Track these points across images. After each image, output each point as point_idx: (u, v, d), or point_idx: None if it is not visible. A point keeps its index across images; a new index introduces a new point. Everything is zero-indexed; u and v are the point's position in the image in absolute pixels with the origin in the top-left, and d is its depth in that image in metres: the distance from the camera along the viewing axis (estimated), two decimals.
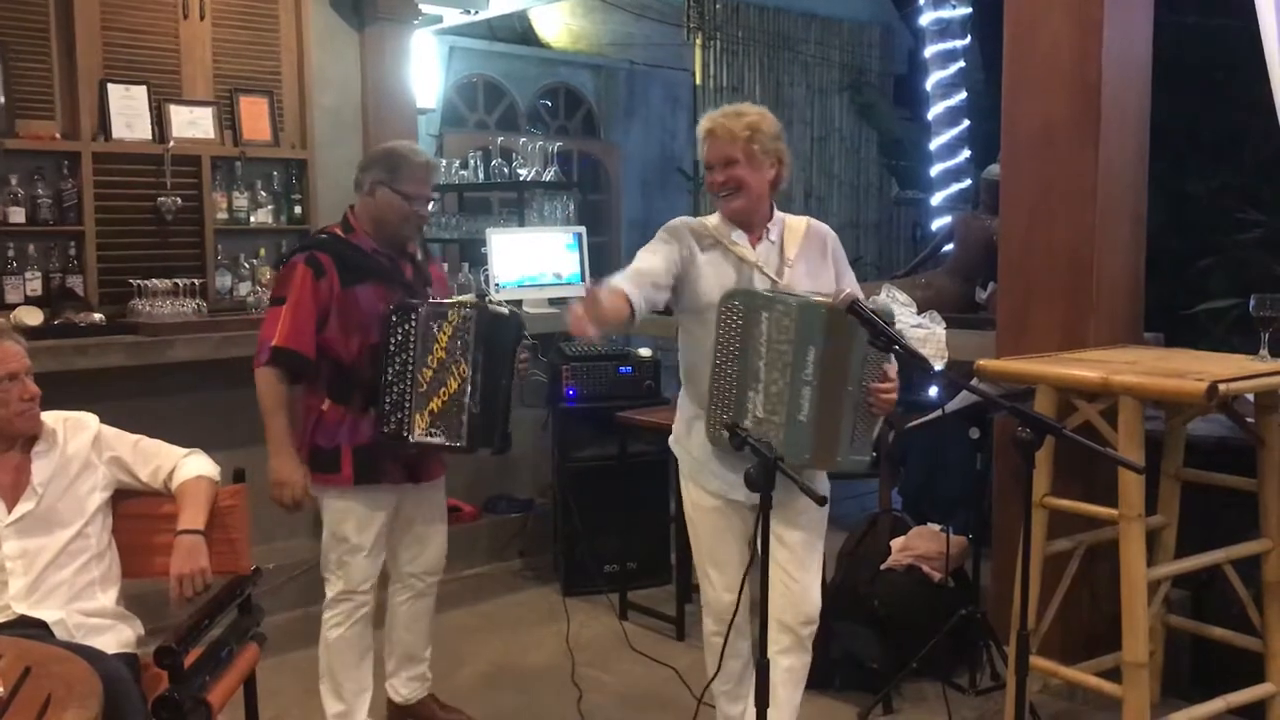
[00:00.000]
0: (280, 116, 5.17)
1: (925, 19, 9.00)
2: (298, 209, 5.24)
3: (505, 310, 3.19)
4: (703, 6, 8.11)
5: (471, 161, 5.98)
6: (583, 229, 5.44)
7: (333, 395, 3.15)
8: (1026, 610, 2.64)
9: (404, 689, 3.45)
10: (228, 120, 5.02)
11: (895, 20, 9.55)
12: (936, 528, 3.89)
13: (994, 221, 4.38)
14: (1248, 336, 3.23)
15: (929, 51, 9.07)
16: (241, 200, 5.04)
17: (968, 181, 8.33)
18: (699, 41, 8.21)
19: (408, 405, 3.07)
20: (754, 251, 2.85)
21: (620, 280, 2.62)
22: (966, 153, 8.48)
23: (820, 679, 3.48)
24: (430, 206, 3.28)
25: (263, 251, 5.10)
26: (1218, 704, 3.12)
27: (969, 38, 8.89)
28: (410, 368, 3.08)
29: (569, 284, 5.16)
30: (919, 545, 3.84)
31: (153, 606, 2.90)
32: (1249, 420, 3.22)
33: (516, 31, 7.36)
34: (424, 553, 3.39)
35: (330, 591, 3.24)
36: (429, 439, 3.08)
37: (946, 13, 8.76)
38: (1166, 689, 3.52)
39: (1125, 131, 3.57)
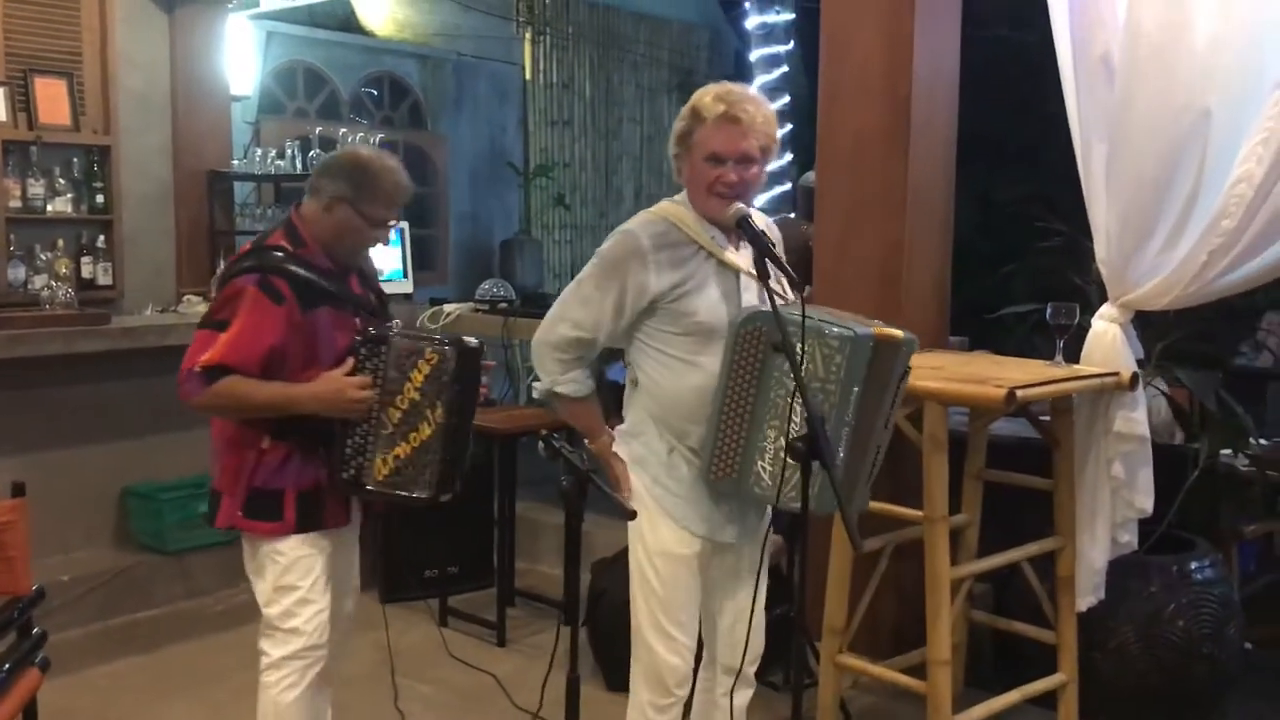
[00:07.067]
0: (81, 100, 4.91)
1: (751, 22, 9.15)
2: (100, 197, 5.00)
3: (476, 344, 2.82)
4: (532, 1, 8.05)
5: (289, 151, 5.79)
6: (404, 223, 5.32)
7: (274, 433, 2.71)
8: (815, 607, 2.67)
9: None
10: (22, 102, 4.73)
11: (723, 23, 9.69)
12: None
13: (810, 227, 4.47)
14: (1049, 338, 3.38)
15: (754, 55, 9.23)
16: (37, 188, 4.78)
17: (788, 184, 8.49)
18: (529, 36, 8.15)
19: (370, 449, 2.71)
20: (739, 258, 2.50)
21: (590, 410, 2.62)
22: (789, 156, 8.66)
23: None
24: (392, 231, 2.86)
25: (61, 242, 4.83)
26: (1014, 695, 3.26)
27: (792, 43, 9.08)
28: (376, 407, 2.70)
29: (390, 280, 5.03)
30: None
31: None
32: (1044, 419, 3.37)
33: (338, 18, 7.15)
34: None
35: (278, 651, 2.78)
36: (389, 490, 2.74)
37: (771, 17, 8.93)
38: (970, 680, 3.67)
39: (934, 142, 3.70)
